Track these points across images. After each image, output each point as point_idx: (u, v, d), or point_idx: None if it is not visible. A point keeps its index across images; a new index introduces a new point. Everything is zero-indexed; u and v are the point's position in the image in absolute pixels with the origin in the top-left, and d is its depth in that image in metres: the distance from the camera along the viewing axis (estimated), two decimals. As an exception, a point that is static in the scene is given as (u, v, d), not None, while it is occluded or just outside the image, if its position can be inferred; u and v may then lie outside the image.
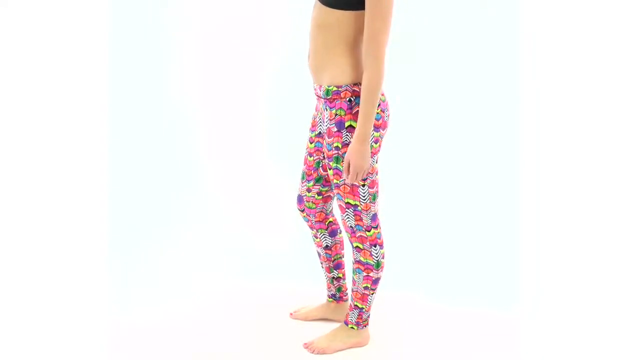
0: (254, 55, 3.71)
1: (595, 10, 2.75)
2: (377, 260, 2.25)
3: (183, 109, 3.78)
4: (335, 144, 2.11)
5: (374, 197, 2.18)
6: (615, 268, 2.66)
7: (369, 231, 2.22)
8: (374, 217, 2.22)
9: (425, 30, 3.58)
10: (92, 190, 3.24)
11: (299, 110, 3.03)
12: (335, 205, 2.43)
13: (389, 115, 2.14)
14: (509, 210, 3.21)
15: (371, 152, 2.08)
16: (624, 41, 2.72)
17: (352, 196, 2.16)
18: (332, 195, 2.37)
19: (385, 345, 2.40)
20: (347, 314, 2.38)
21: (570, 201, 2.85)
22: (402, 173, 3.48)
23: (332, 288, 2.53)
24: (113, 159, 3.46)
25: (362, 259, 2.26)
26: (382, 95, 2.10)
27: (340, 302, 2.55)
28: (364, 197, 2.15)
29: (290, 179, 3.26)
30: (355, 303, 2.34)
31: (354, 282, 2.32)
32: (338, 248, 2.47)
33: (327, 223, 2.42)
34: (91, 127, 3.35)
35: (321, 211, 2.39)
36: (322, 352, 2.35)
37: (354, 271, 2.30)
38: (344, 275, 2.52)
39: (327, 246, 2.46)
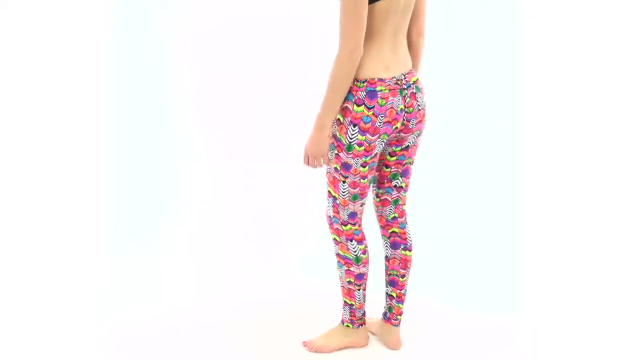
0: (259, 55, 3.70)
1: (595, 10, 2.74)
2: (356, 255, 2.24)
3: (183, 109, 3.77)
4: None
5: (353, 197, 2.15)
6: (615, 274, 2.65)
7: (345, 226, 2.22)
8: (352, 215, 2.20)
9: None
10: (92, 190, 3.23)
11: (302, 111, 3.02)
12: (408, 220, 2.39)
13: (387, 123, 2.05)
14: (510, 215, 3.19)
15: (351, 154, 2.06)
16: (624, 41, 2.71)
17: (333, 187, 2.18)
18: (389, 199, 2.29)
19: (386, 349, 2.40)
20: (342, 312, 2.38)
21: (571, 208, 2.85)
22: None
23: (385, 305, 2.42)
24: (113, 158, 3.46)
25: (340, 252, 2.26)
26: (384, 99, 2.03)
27: (388, 322, 2.40)
28: (343, 193, 2.15)
29: (294, 178, 3.25)
30: (344, 299, 2.33)
31: (339, 277, 2.32)
32: (396, 264, 2.34)
33: (389, 232, 2.34)
34: (91, 127, 3.34)
35: (381, 215, 2.34)
36: (319, 350, 2.35)
37: (336, 265, 2.31)
38: (398, 296, 2.36)
39: (386, 257, 2.38)
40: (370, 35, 1.99)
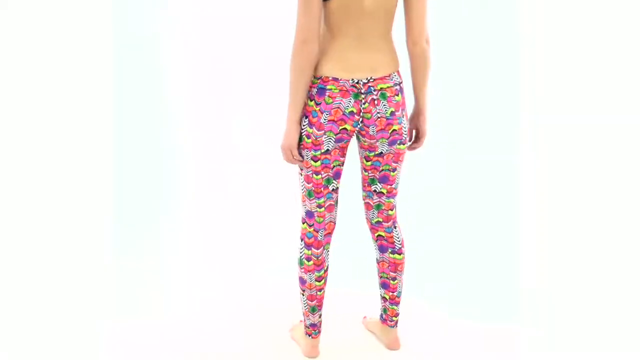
0: (260, 55, 3.70)
1: (595, 10, 2.74)
2: (300, 257, 2.24)
3: (183, 108, 3.78)
4: None
5: (309, 193, 2.15)
6: (616, 280, 2.65)
7: (302, 223, 2.23)
8: (309, 215, 2.20)
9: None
10: (91, 189, 3.24)
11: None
12: (402, 224, 2.39)
13: (331, 121, 2.04)
14: (510, 219, 3.20)
15: (302, 145, 2.09)
16: (624, 41, 2.71)
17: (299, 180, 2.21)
18: (371, 203, 2.28)
19: (384, 355, 2.40)
20: None
21: (571, 211, 2.84)
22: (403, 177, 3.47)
23: (381, 306, 2.43)
24: (113, 158, 3.46)
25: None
26: (331, 98, 2.02)
27: (385, 324, 2.41)
28: (301, 185, 2.17)
29: (295, 178, 3.25)
30: None
31: None
32: (385, 267, 2.33)
33: (376, 235, 2.33)
34: (93, 126, 3.35)
35: (367, 218, 2.33)
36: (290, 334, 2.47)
37: None
38: (391, 299, 2.36)
39: (376, 259, 2.37)
40: (331, 33, 2.00)
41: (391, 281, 2.33)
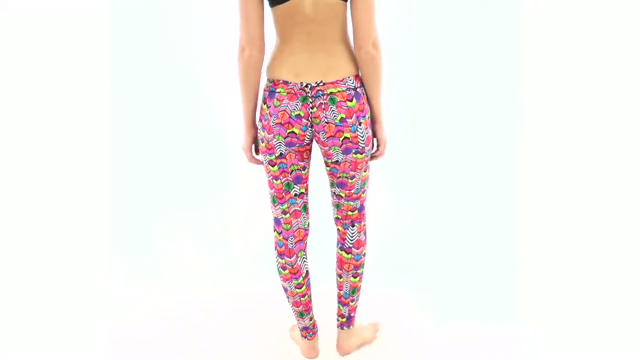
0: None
1: (594, 11, 2.73)
2: (276, 266, 2.24)
3: (183, 109, 3.78)
4: None
5: (272, 199, 2.15)
6: (616, 280, 2.64)
7: (273, 232, 2.23)
8: (277, 222, 2.19)
9: (426, 30, 3.57)
10: (91, 190, 3.24)
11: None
12: (368, 226, 2.37)
13: (279, 124, 2.02)
14: (510, 219, 3.19)
15: (259, 149, 2.12)
16: (623, 41, 2.70)
17: None
18: (332, 201, 2.27)
19: (384, 355, 2.40)
20: None
21: (571, 212, 2.84)
22: (402, 176, 3.47)
23: None
24: (114, 157, 3.47)
25: None
26: (279, 101, 2.00)
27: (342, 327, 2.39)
28: (268, 190, 2.18)
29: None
30: None
31: None
32: (336, 263, 2.33)
33: (336, 229, 2.34)
34: (92, 126, 3.35)
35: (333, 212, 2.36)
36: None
37: None
38: (338, 297, 2.35)
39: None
40: (281, 38, 1.99)
41: (338, 278, 2.31)
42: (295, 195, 2.13)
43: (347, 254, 2.25)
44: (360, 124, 2.01)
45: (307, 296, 2.25)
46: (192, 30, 3.73)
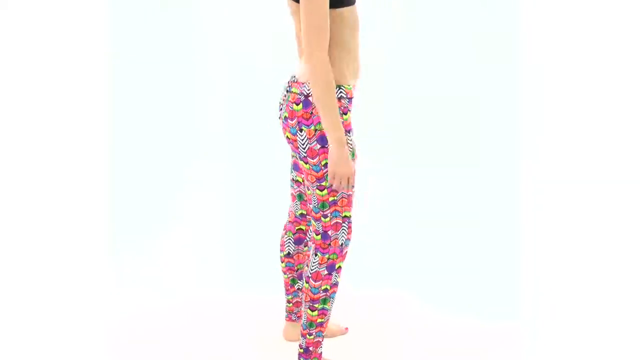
0: (261, 56, 3.70)
1: (594, 11, 2.73)
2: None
3: (183, 109, 3.77)
4: None
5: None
6: (615, 278, 2.64)
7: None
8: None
9: (425, 30, 3.56)
10: (91, 189, 3.23)
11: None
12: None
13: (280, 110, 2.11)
14: (510, 219, 3.19)
15: None
16: (623, 41, 2.70)
17: None
18: (294, 193, 2.29)
19: (384, 355, 2.39)
20: None
21: (571, 210, 2.84)
22: (402, 176, 3.47)
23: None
24: (114, 156, 3.46)
25: None
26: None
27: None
28: None
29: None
30: None
31: None
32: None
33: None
34: (91, 125, 3.34)
35: (291, 211, 2.40)
36: None
37: None
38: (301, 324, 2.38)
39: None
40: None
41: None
42: (292, 179, 2.24)
43: (306, 282, 2.12)
44: (301, 130, 1.98)
45: (286, 275, 2.35)
46: (192, 31, 3.73)
